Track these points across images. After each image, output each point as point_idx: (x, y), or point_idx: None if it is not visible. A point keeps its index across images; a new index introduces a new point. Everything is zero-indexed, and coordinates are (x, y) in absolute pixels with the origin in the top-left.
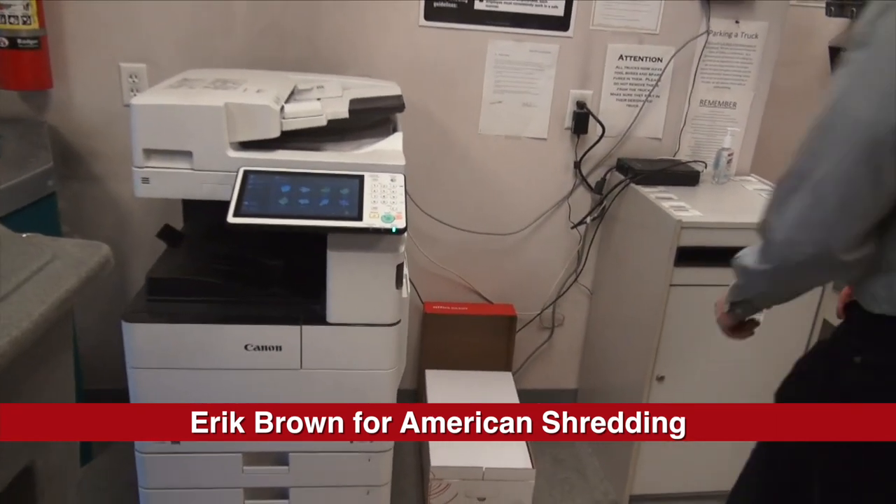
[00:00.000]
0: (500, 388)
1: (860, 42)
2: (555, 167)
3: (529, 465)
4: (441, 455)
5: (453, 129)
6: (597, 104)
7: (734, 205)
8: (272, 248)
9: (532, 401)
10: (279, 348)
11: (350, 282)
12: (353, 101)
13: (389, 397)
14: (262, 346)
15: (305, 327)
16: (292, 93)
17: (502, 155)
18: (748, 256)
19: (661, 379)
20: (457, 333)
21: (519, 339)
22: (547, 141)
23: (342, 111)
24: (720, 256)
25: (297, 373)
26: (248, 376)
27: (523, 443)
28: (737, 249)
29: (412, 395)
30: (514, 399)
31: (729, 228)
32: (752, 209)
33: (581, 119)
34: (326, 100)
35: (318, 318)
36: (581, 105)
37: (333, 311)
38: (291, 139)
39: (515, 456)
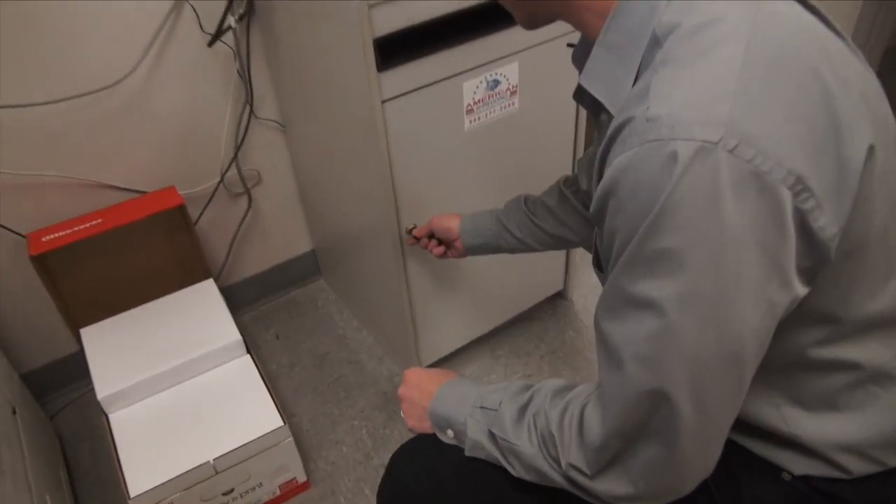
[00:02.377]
0: (199, 308)
1: (663, 265)
2: None
3: (280, 423)
4: (140, 476)
5: None
6: None
7: None
8: None
9: (259, 290)
10: None
11: None
12: None
13: None
14: None
15: None
16: None
17: None
18: (530, 451)
19: (410, 231)
20: (103, 260)
21: (206, 227)
22: None
23: None
24: (433, 35)
25: None
26: None
27: (266, 395)
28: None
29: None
30: (224, 313)
31: None
32: None
33: None
34: None
35: None
36: None
37: None
38: None
39: (257, 417)
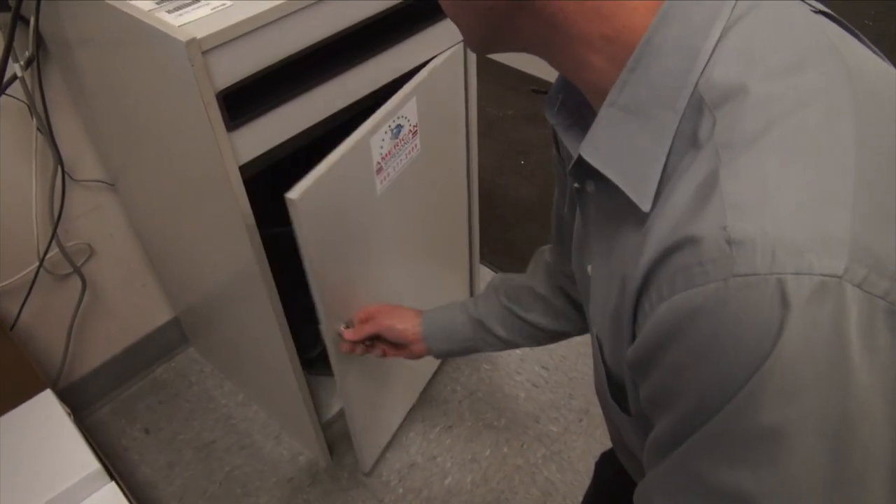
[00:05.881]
0: (39, 432)
1: (763, 448)
2: None
3: None
4: None
5: None
6: None
7: None
8: None
9: (116, 376)
10: None
11: None
12: None
13: None
14: None
15: None
16: None
17: None
18: None
19: (341, 334)
20: None
21: (32, 322)
22: None
23: None
24: (290, 76)
25: None
26: None
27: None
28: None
29: None
30: (72, 433)
31: (279, 20)
32: None
33: None
34: None
35: None
36: None
37: None
38: None
39: None
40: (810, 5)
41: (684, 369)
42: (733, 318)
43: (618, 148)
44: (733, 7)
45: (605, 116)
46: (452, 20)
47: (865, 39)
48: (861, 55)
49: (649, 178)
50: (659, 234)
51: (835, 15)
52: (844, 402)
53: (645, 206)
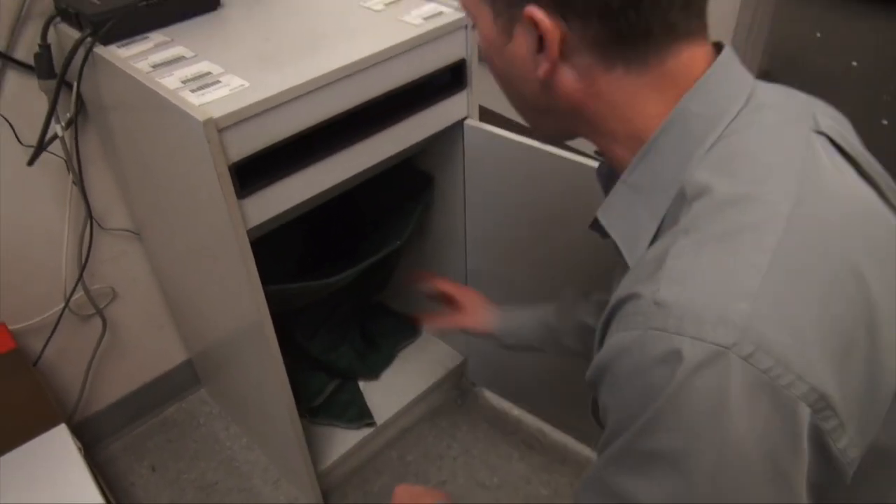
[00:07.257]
0: (49, 466)
1: (655, 467)
2: None
3: None
4: None
5: None
6: None
7: (294, 38)
8: None
9: (129, 413)
10: None
11: None
12: None
13: None
14: None
15: None
16: None
17: None
18: None
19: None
20: None
21: (54, 358)
22: None
23: None
24: (300, 148)
25: None
26: None
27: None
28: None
29: None
30: (81, 469)
31: (290, 101)
32: (327, 38)
33: None
34: None
35: None
36: None
37: None
38: None
39: None
40: (818, 124)
41: (612, 392)
42: (645, 361)
43: (623, 216)
44: (730, 122)
45: (618, 191)
46: (519, 114)
47: (864, 159)
48: (829, 179)
49: (641, 241)
50: (624, 284)
51: (834, 139)
52: (723, 443)
53: (631, 263)
